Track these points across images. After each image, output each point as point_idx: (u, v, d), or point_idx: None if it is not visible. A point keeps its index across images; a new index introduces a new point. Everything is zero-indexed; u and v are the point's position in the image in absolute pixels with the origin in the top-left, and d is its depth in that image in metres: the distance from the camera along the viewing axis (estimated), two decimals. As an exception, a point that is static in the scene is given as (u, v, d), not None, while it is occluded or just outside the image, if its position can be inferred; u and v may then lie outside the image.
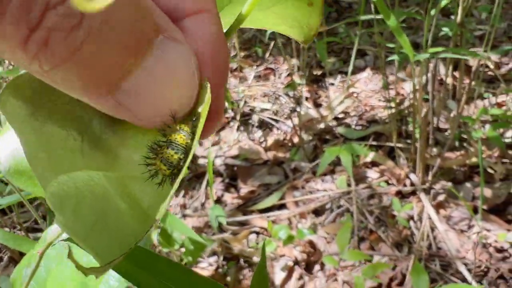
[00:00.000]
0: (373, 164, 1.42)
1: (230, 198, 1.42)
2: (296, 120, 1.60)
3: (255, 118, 1.70)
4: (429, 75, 1.30)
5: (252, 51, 2.05)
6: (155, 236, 1.01)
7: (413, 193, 1.30)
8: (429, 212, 1.21)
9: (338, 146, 1.23)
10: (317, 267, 1.18)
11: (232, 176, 1.49)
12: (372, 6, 1.23)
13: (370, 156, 1.40)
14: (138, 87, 0.18)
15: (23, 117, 0.21)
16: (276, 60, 2.00)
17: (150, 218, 0.21)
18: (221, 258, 1.22)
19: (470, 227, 1.19)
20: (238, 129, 1.67)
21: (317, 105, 1.72)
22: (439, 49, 1.10)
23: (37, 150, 0.21)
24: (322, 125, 1.61)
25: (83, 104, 0.21)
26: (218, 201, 1.41)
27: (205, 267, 1.21)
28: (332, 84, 1.82)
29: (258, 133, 1.65)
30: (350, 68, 1.65)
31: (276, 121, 1.68)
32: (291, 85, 1.73)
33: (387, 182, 1.35)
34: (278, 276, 1.17)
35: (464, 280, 1.05)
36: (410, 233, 1.20)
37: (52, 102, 0.22)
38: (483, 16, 1.90)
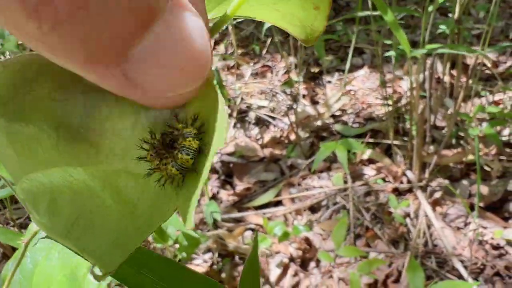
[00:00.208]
0: (370, 161, 1.41)
1: (225, 195, 1.41)
2: (293, 117, 1.59)
3: (251, 115, 1.70)
4: (427, 73, 1.29)
5: (249, 49, 2.04)
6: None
7: (410, 190, 1.29)
8: (425, 209, 1.21)
9: (334, 142, 1.22)
10: (312, 264, 1.18)
11: (228, 173, 1.48)
12: (370, 3, 1.23)
13: (367, 153, 1.39)
14: (148, 56, 0.16)
15: None
16: (274, 57, 1.99)
17: (152, 216, 0.20)
18: (216, 254, 1.21)
19: (466, 224, 1.19)
20: (234, 126, 1.66)
21: (314, 103, 1.71)
22: (437, 45, 1.09)
23: (6, 149, 0.20)
24: (319, 123, 1.60)
25: (60, 97, 0.20)
26: (214, 198, 1.40)
27: (200, 264, 1.20)
28: (330, 81, 1.81)
29: (255, 130, 1.64)
30: (347, 66, 1.65)
31: (273, 118, 1.67)
32: (288, 83, 1.73)
33: (383, 179, 1.34)
34: (273, 273, 1.16)
35: (460, 277, 1.05)
36: (407, 230, 1.20)
37: (22, 99, 0.21)
38: (481, 15, 1.90)
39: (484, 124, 1.37)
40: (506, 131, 1.38)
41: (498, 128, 1.37)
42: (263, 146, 1.56)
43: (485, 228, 1.15)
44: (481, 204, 1.20)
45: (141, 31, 0.15)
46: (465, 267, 1.07)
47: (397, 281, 1.08)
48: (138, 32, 0.15)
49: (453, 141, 1.38)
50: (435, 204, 1.24)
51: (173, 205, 0.20)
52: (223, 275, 1.18)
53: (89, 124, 0.21)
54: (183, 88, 0.17)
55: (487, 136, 1.22)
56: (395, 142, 1.39)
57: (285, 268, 1.17)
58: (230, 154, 1.54)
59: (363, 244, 1.19)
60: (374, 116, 1.59)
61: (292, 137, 1.57)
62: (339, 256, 1.12)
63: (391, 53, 1.17)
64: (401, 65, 1.75)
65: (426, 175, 1.28)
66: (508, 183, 1.22)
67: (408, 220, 1.21)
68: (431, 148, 1.36)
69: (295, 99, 1.66)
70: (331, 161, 1.42)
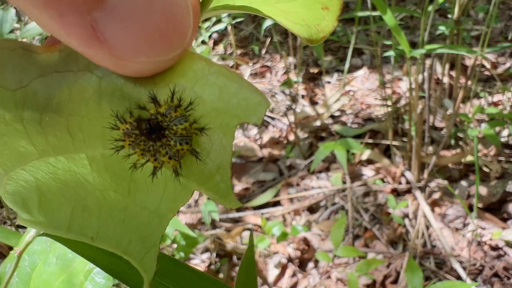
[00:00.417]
0: (369, 162, 1.41)
1: (224, 195, 1.40)
2: (292, 118, 1.59)
3: (250, 115, 1.69)
4: (426, 74, 1.29)
5: (248, 49, 2.04)
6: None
7: (408, 191, 1.29)
8: (424, 210, 1.21)
9: (333, 142, 1.22)
10: (310, 264, 1.17)
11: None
12: (369, 3, 1.23)
13: (366, 154, 1.39)
14: (124, 7, 0.14)
15: None
16: (273, 58, 1.99)
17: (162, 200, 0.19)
18: (214, 254, 1.21)
19: (465, 225, 1.18)
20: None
21: (313, 103, 1.71)
22: (436, 45, 1.09)
23: None
24: (318, 123, 1.60)
25: (13, 86, 0.19)
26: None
27: (198, 264, 1.19)
28: (329, 82, 1.81)
29: (254, 130, 1.64)
30: (347, 66, 1.64)
31: (272, 118, 1.67)
32: (287, 83, 1.72)
33: (382, 179, 1.34)
34: (271, 273, 1.16)
35: (458, 278, 1.05)
36: (405, 230, 1.20)
37: None
38: (480, 17, 1.90)
39: (483, 125, 1.37)
40: (505, 132, 1.38)
41: (497, 129, 1.37)
42: (262, 146, 1.56)
43: (483, 229, 1.15)
44: (480, 205, 1.20)
45: None
46: (464, 268, 1.06)
47: (395, 281, 1.08)
48: None
49: (452, 142, 1.38)
50: (433, 204, 1.24)
51: (187, 188, 0.19)
52: (221, 275, 1.17)
53: (53, 109, 0.19)
54: (156, 54, 0.16)
55: (486, 137, 1.22)
56: (394, 142, 1.39)
57: (283, 268, 1.17)
58: (228, 154, 1.53)
59: (362, 245, 1.18)
60: (373, 117, 1.59)
61: (291, 137, 1.56)
62: (337, 256, 1.12)
63: (390, 52, 1.17)
64: (400, 66, 1.75)
65: (425, 175, 1.28)
66: (507, 184, 1.22)
67: (406, 220, 1.21)
68: (430, 148, 1.36)
69: (294, 99, 1.65)
70: (330, 162, 1.42)
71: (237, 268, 1.18)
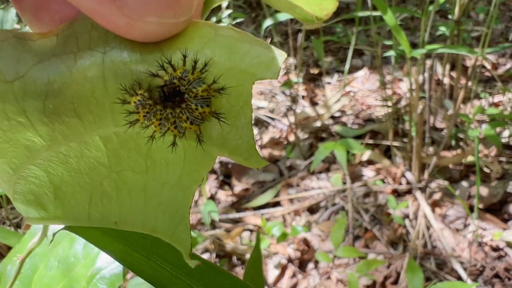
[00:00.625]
0: (369, 162, 1.40)
1: (224, 196, 1.40)
2: (292, 118, 1.58)
3: (250, 116, 1.69)
4: (426, 74, 1.29)
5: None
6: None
7: (409, 191, 1.28)
8: (424, 210, 1.20)
9: (333, 142, 1.22)
10: (310, 265, 1.17)
11: (226, 173, 1.48)
12: (370, 3, 1.22)
13: (366, 154, 1.38)
14: None
15: None
16: (273, 59, 1.98)
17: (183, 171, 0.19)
18: (214, 255, 1.20)
19: (465, 225, 1.18)
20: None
21: (314, 104, 1.71)
22: (437, 45, 1.09)
23: None
24: (318, 124, 1.60)
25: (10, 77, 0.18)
26: (212, 198, 1.39)
27: (197, 264, 1.19)
28: (329, 83, 1.81)
29: (254, 131, 1.63)
30: (347, 66, 1.64)
31: (272, 119, 1.67)
32: (287, 84, 1.72)
33: (382, 180, 1.33)
34: (271, 274, 1.16)
35: (459, 278, 1.04)
36: (405, 231, 1.19)
37: None
38: (481, 18, 1.90)
39: (484, 126, 1.36)
40: (505, 133, 1.38)
41: (498, 129, 1.36)
42: (262, 147, 1.55)
43: (484, 229, 1.14)
44: (481, 206, 1.19)
45: None
46: (465, 269, 1.06)
47: (395, 282, 1.07)
48: None
49: (453, 142, 1.37)
50: (434, 205, 1.23)
51: (208, 155, 0.18)
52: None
53: (55, 94, 0.19)
54: (166, 15, 0.16)
55: (487, 137, 1.22)
56: (395, 143, 1.38)
57: (283, 269, 1.16)
58: (228, 155, 1.53)
59: (362, 245, 1.18)
60: (373, 117, 1.59)
61: (291, 138, 1.56)
62: (337, 257, 1.11)
63: (391, 52, 1.17)
64: (401, 67, 1.74)
65: (425, 176, 1.27)
66: (507, 184, 1.21)
67: (407, 221, 1.21)
68: (431, 149, 1.36)
69: (294, 100, 1.65)
70: (330, 162, 1.41)
71: (236, 269, 1.18)
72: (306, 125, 1.60)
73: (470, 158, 1.29)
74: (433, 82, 1.47)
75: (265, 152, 1.53)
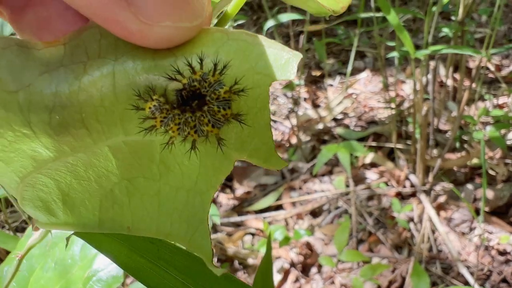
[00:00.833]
0: (372, 165, 1.39)
1: (225, 199, 1.39)
2: (294, 121, 1.57)
3: (252, 118, 1.68)
4: (430, 76, 1.28)
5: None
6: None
7: (413, 194, 1.27)
8: (429, 213, 1.18)
9: (336, 145, 1.20)
10: (314, 269, 1.15)
11: (227, 176, 1.46)
12: (372, 4, 1.21)
13: (369, 157, 1.37)
14: None
15: None
16: (275, 61, 1.98)
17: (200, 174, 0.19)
18: (215, 259, 1.18)
19: (471, 229, 1.16)
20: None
21: (316, 106, 1.70)
22: (441, 46, 1.08)
23: None
24: (320, 126, 1.58)
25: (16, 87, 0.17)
26: (213, 201, 1.37)
27: (199, 269, 1.17)
28: (331, 85, 1.79)
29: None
30: (349, 68, 1.63)
31: (274, 121, 1.65)
32: (289, 86, 1.71)
33: (386, 183, 1.32)
34: (274, 278, 1.14)
35: (466, 283, 1.02)
36: (410, 235, 1.17)
37: None
38: (484, 19, 1.89)
39: (488, 128, 1.35)
40: (510, 135, 1.36)
41: (503, 131, 1.35)
42: (263, 150, 1.54)
43: (490, 233, 1.13)
44: (487, 209, 1.17)
45: None
46: (471, 273, 1.04)
47: (401, 287, 1.05)
48: None
49: (457, 144, 1.36)
50: (439, 208, 1.21)
51: (227, 159, 0.18)
52: (222, 280, 1.15)
53: (63, 105, 0.18)
54: (180, 18, 0.16)
55: (492, 139, 1.20)
56: (398, 145, 1.37)
57: (285, 273, 1.14)
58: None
59: (366, 249, 1.16)
60: (376, 120, 1.57)
61: (293, 140, 1.54)
62: (341, 261, 1.09)
63: (394, 53, 1.15)
64: (403, 69, 1.73)
65: (430, 179, 1.25)
66: (513, 187, 1.20)
67: (411, 224, 1.19)
68: (435, 151, 1.34)
69: (296, 102, 1.64)
70: (333, 165, 1.40)
71: (238, 273, 1.16)
72: (308, 128, 1.59)
73: (475, 161, 1.27)
74: (436, 83, 1.46)
75: (267, 155, 1.51)
